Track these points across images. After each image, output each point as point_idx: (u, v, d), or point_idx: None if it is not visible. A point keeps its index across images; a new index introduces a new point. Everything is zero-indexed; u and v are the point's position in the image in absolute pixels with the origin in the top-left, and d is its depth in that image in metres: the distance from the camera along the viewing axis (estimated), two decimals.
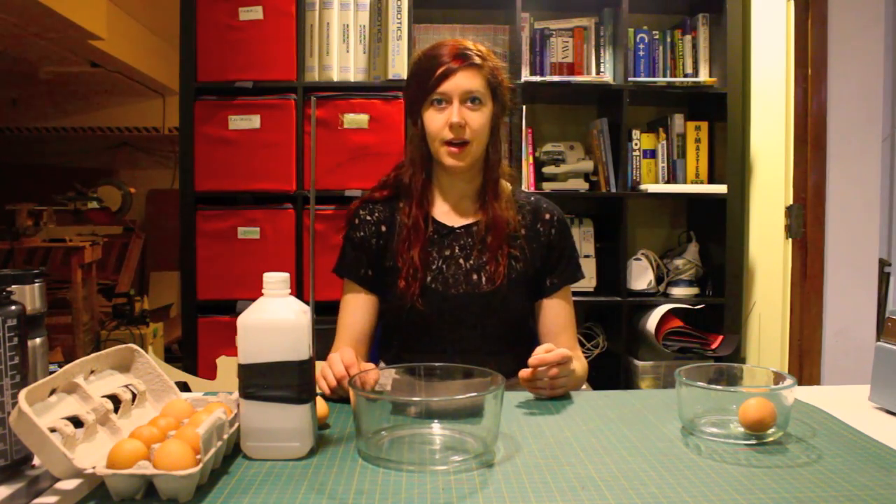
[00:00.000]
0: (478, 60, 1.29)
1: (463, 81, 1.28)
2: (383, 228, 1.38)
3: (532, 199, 1.43)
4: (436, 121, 1.29)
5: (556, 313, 1.38)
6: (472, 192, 1.38)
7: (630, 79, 2.48)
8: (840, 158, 2.42)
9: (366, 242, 1.37)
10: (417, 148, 1.35)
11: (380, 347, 1.46)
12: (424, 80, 1.29)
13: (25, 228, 3.97)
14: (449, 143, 1.29)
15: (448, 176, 1.37)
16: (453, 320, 1.32)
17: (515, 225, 1.36)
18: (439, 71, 1.28)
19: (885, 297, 2.49)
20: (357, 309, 1.37)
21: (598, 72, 2.56)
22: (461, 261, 1.34)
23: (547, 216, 1.40)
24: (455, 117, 1.27)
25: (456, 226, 1.37)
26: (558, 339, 1.36)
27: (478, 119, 1.29)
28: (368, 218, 1.38)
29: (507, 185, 1.41)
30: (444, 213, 1.38)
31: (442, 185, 1.39)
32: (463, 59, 1.28)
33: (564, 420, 1.03)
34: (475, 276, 1.33)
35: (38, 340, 0.90)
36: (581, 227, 2.55)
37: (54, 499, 0.77)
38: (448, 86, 1.27)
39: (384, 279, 1.36)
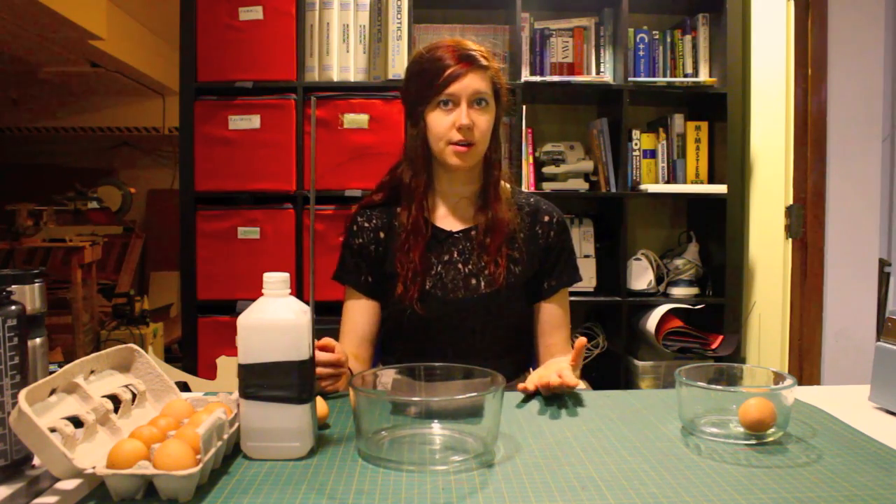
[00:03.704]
0: (484, 62, 1.30)
1: (472, 83, 1.28)
2: (381, 235, 1.37)
3: (531, 200, 1.42)
4: (443, 122, 1.29)
5: (551, 314, 1.38)
6: (471, 195, 1.38)
7: (630, 79, 2.48)
8: (840, 158, 2.42)
9: (364, 249, 1.37)
10: (418, 149, 1.34)
11: (382, 353, 1.46)
12: (429, 82, 1.28)
13: (25, 228, 3.97)
14: (456, 143, 1.29)
15: (448, 177, 1.36)
16: (453, 325, 1.32)
17: (515, 226, 1.36)
18: (448, 72, 1.27)
19: (885, 297, 2.49)
20: (358, 314, 1.37)
21: (598, 72, 2.55)
22: (460, 265, 1.34)
23: (546, 218, 1.40)
24: (464, 119, 1.26)
25: (454, 230, 1.36)
26: (551, 337, 1.37)
27: (485, 121, 1.29)
28: (367, 225, 1.38)
29: (506, 187, 1.40)
30: (441, 216, 1.38)
31: (441, 187, 1.38)
32: (470, 61, 1.28)
33: (564, 420, 1.03)
34: (474, 281, 1.33)
35: (38, 340, 0.90)
36: (581, 227, 2.55)
37: (54, 499, 0.77)
38: (457, 87, 1.27)
39: (384, 285, 1.36)
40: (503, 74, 1.36)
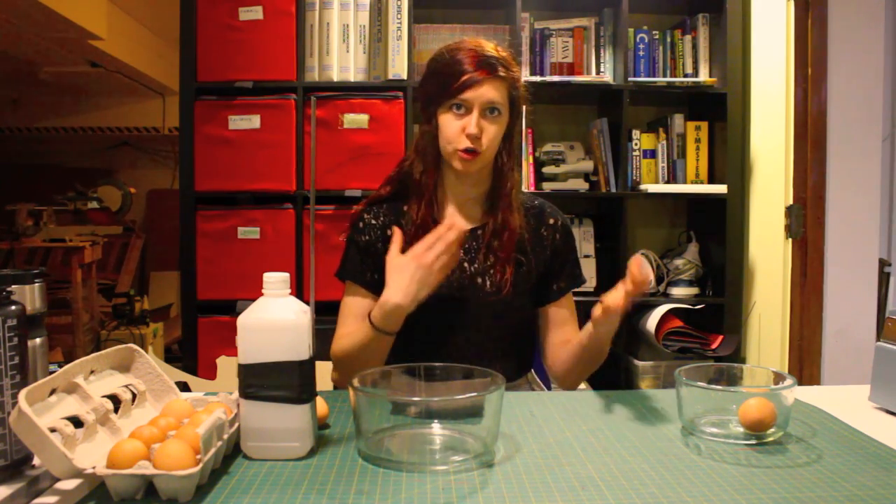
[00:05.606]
0: (502, 72, 1.27)
1: (486, 92, 1.25)
2: (389, 232, 1.36)
3: (535, 202, 1.43)
4: (452, 126, 1.28)
5: (560, 314, 1.39)
6: (478, 195, 1.38)
7: (630, 79, 2.47)
8: (840, 158, 2.42)
9: (371, 247, 1.36)
10: (429, 145, 1.34)
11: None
12: (445, 84, 1.27)
13: (25, 228, 3.98)
14: (463, 150, 1.28)
15: (457, 178, 1.36)
16: (457, 324, 1.32)
17: (521, 231, 1.36)
18: (464, 78, 1.25)
19: (885, 297, 2.49)
20: (360, 309, 1.36)
21: (598, 72, 2.55)
22: (465, 265, 1.33)
23: (551, 221, 1.40)
24: (473, 128, 1.25)
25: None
26: (563, 334, 1.37)
27: (494, 130, 1.28)
28: (374, 222, 1.37)
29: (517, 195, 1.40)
30: (449, 214, 1.37)
31: (450, 185, 1.38)
32: (488, 69, 1.26)
33: (564, 420, 1.03)
34: (479, 280, 1.33)
35: (38, 340, 0.90)
36: (581, 227, 2.55)
37: (54, 499, 0.77)
38: (470, 95, 1.25)
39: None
40: (521, 81, 1.34)
